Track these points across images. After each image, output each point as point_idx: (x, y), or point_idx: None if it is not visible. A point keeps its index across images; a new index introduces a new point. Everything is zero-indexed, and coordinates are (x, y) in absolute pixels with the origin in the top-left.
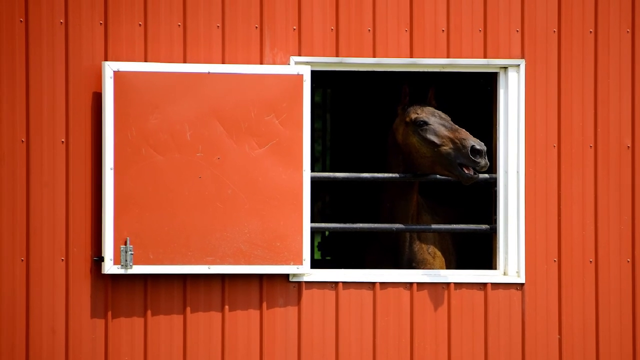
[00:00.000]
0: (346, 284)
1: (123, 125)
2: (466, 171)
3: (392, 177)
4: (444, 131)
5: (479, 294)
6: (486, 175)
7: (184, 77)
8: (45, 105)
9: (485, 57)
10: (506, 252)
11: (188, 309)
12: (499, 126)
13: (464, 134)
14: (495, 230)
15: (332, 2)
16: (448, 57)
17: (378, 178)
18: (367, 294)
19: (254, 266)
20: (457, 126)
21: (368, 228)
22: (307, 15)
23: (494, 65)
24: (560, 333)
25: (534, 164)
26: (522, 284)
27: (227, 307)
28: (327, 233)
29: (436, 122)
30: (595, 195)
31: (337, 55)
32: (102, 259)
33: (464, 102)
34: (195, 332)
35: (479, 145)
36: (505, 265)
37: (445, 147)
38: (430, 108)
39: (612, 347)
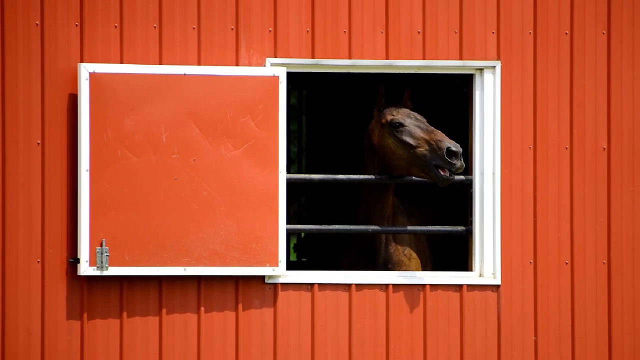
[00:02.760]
0: (322, 286)
1: (99, 127)
2: (442, 173)
3: (367, 179)
4: (419, 133)
5: (455, 295)
6: (462, 177)
7: (159, 79)
8: (21, 106)
9: (461, 58)
10: (482, 254)
11: (164, 310)
12: (474, 128)
13: (439, 135)
14: (471, 232)
15: (308, 4)
16: (424, 58)
17: (354, 179)
18: (343, 295)
19: (230, 268)
20: (432, 128)
21: (344, 230)
22: (282, 17)
23: (470, 67)
24: (536, 335)
25: (510, 166)
26: (498, 286)
27: (202, 308)
28: (302, 235)
29: (412, 123)
30: (571, 196)
31: (312, 57)
32: (77, 261)
33: (440, 104)
34: (171, 334)
35: (455, 146)
36: (481, 266)
37: (421, 149)
38: (406, 110)
39: (588, 348)
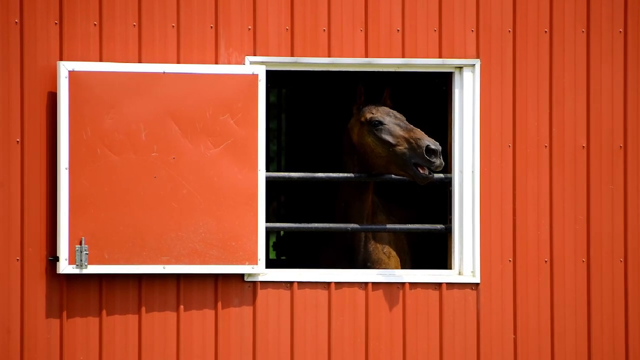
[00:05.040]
0: (301, 284)
1: (78, 125)
2: (421, 171)
3: (347, 177)
4: (399, 131)
5: (434, 293)
6: (441, 175)
7: (139, 77)
8: (0, 105)
9: (440, 56)
10: (461, 252)
11: (143, 308)
12: (454, 126)
13: (419, 133)
14: (450, 230)
15: (287, 2)
16: (403, 57)
17: (333, 178)
18: (322, 293)
19: (209, 266)
20: (412, 126)
21: (323, 228)
22: (262, 15)
23: (449, 65)
24: (515, 333)
25: (489, 164)
26: (477, 284)
27: (182, 307)
28: (282, 233)
29: (391, 121)
30: (551, 195)
31: (292, 55)
32: (57, 259)
33: (420, 102)
34: (150, 332)
35: (434, 145)
36: (461, 265)
37: (400, 147)
38: (385, 108)
39: (567, 346)
